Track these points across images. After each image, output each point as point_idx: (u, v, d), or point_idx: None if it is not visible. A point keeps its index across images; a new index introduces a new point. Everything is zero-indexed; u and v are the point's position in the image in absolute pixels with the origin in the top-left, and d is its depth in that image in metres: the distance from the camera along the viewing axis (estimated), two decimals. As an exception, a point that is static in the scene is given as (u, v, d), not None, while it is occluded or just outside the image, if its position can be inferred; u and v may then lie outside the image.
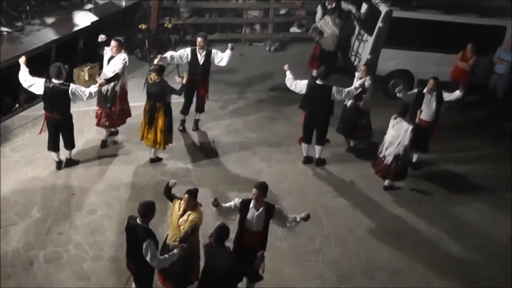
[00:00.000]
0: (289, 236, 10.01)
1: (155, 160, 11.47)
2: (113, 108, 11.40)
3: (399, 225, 10.83)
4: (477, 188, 11.97)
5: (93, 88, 10.52)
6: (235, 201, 8.44)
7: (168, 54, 11.91)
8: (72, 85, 10.45)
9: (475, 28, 14.00)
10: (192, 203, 8.24)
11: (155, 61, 11.45)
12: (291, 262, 9.68)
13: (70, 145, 10.99)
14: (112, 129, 11.94)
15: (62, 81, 10.35)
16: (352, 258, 9.99)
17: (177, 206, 8.31)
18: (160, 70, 10.91)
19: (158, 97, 10.89)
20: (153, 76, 10.87)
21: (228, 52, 11.86)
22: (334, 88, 11.28)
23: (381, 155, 11.32)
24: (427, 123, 11.61)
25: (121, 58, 11.21)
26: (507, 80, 14.21)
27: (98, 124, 11.67)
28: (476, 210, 11.36)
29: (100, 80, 10.78)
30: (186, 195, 8.22)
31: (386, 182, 11.51)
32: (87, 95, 10.46)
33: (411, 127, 10.86)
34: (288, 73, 11.48)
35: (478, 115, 14.40)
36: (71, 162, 11.14)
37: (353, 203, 11.18)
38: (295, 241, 10.01)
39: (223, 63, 11.96)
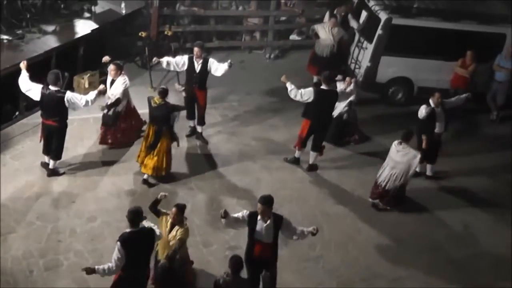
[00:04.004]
0: (289, 243, 9.94)
1: (152, 184, 11.15)
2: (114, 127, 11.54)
3: (398, 232, 10.83)
4: (477, 196, 11.96)
5: (91, 96, 10.47)
6: (244, 212, 8.39)
7: (165, 59, 11.87)
8: (68, 93, 10.40)
9: (475, 36, 13.97)
10: (180, 217, 8.35)
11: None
12: (291, 269, 9.66)
13: (57, 155, 10.87)
14: None
15: (58, 88, 10.35)
16: (352, 265, 10.00)
17: (164, 222, 8.43)
18: (164, 93, 10.64)
19: (163, 120, 10.68)
20: (157, 99, 10.60)
21: (225, 66, 11.65)
22: (340, 92, 11.80)
23: (380, 179, 10.99)
24: (439, 135, 11.78)
25: (121, 82, 11.33)
26: (507, 87, 14.21)
27: (101, 142, 11.69)
28: (475, 218, 11.36)
29: (101, 86, 10.78)
30: (174, 209, 8.33)
31: (381, 206, 11.23)
32: (83, 103, 10.44)
33: (418, 156, 10.71)
34: (288, 84, 11.25)
35: (479, 123, 14.40)
36: (53, 172, 10.96)
37: (353, 210, 11.18)
38: (295, 248, 9.97)
39: (218, 73, 11.79)
